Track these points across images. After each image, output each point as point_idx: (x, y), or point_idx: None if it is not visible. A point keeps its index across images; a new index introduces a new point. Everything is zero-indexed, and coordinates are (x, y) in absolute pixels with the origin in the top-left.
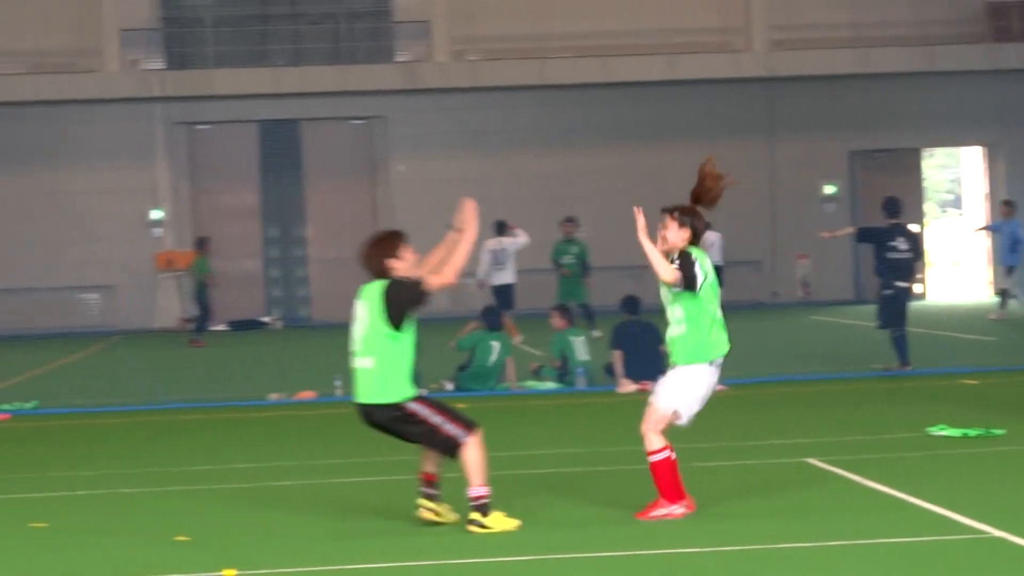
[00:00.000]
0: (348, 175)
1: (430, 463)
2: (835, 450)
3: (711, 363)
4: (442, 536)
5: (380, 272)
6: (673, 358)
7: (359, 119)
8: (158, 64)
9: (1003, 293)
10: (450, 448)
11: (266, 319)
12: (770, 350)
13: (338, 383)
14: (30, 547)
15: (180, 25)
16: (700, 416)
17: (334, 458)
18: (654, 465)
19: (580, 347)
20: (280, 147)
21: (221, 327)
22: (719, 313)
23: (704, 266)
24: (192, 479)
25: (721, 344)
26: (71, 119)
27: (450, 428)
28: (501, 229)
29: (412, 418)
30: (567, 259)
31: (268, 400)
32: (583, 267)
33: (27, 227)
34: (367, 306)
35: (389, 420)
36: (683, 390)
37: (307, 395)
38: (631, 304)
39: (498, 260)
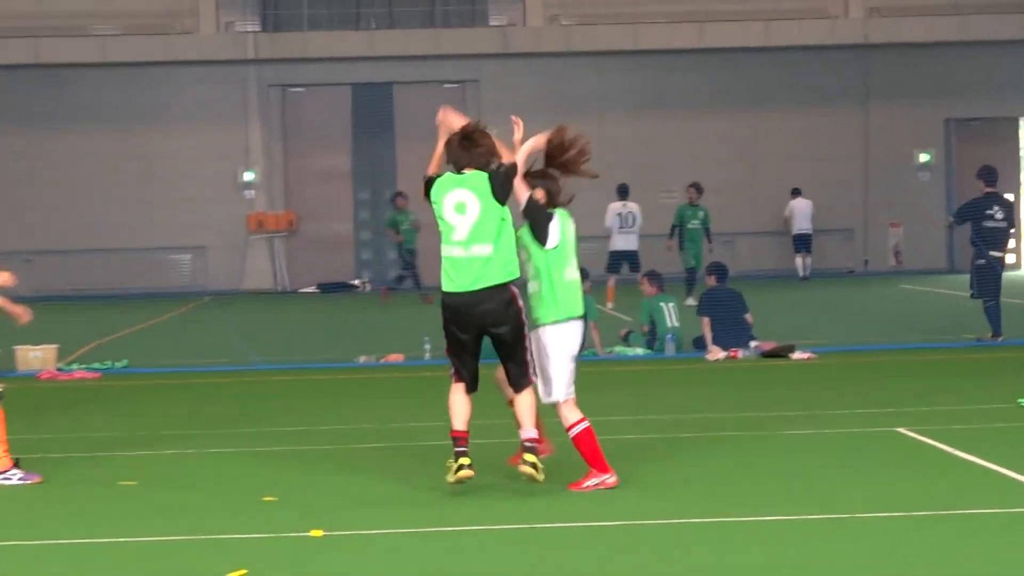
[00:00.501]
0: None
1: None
2: (926, 420)
3: (566, 321)
4: (525, 500)
5: (486, 163)
6: (533, 316)
7: (452, 83)
8: (253, 26)
9: None
10: (523, 375)
11: (355, 282)
12: (861, 319)
13: (427, 346)
14: (118, 505)
15: None
16: (791, 385)
17: (421, 421)
18: (575, 438)
19: (669, 313)
20: (372, 110)
21: (310, 289)
22: (570, 276)
23: (563, 230)
24: (280, 440)
25: (571, 305)
26: (165, 81)
27: (529, 358)
28: (625, 193)
29: (516, 307)
30: (693, 224)
31: (357, 363)
32: (706, 232)
33: (120, 188)
34: (475, 195)
35: (502, 305)
36: (548, 355)
37: (395, 358)
38: (720, 270)
39: (624, 223)
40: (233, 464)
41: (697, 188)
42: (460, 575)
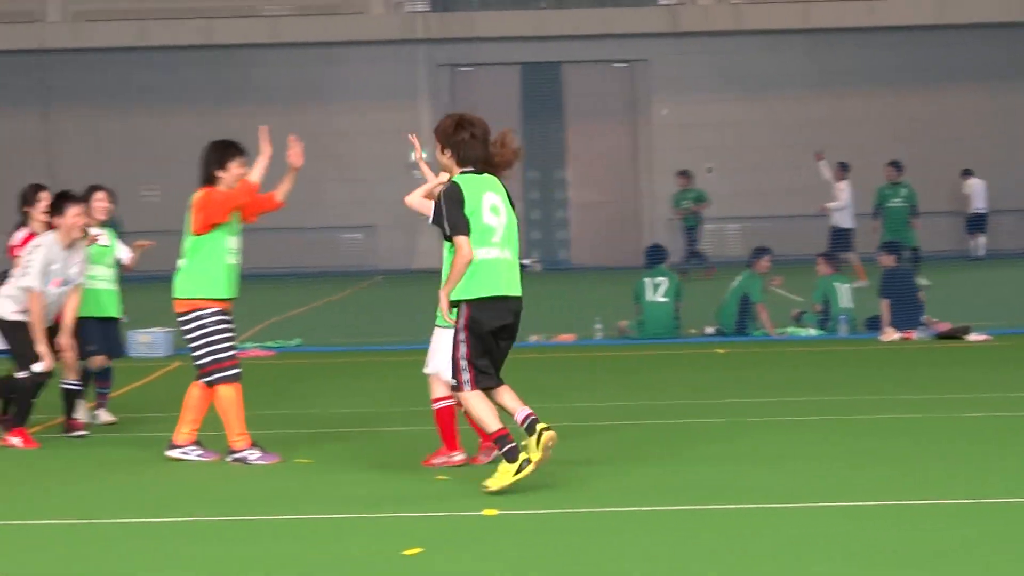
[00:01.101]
0: (609, 118)
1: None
2: None
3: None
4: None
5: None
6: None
7: (621, 62)
8: (422, 6)
9: None
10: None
11: (526, 261)
12: None
13: (598, 326)
14: (295, 483)
15: None
16: (967, 366)
17: (593, 401)
18: (438, 412)
19: (844, 294)
20: (542, 90)
21: None
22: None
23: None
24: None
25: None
26: (335, 61)
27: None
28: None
29: None
30: (895, 202)
31: (528, 342)
32: (912, 210)
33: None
34: (502, 198)
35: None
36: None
37: (566, 338)
38: (896, 249)
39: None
40: (408, 440)
41: (896, 166)
42: (614, 553)
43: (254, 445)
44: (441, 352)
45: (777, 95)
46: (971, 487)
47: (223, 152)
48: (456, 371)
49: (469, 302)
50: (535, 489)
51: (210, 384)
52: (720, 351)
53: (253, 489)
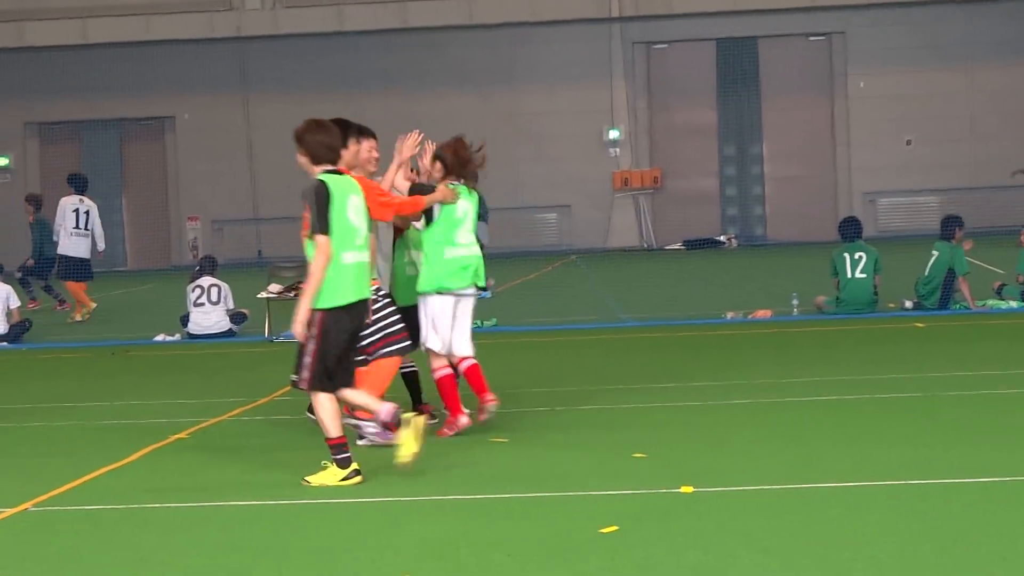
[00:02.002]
0: (805, 92)
1: None
2: None
3: (440, 293)
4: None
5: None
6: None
7: (818, 35)
8: None
9: None
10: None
11: (722, 238)
12: None
13: (795, 302)
14: (489, 462)
15: None
16: None
17: (790, 377)
18: (438, 380)
19: None
20: (737, 65)
21: (676, 246)
22: (455, 253)
23: (445, 208)
24: (651, 396)
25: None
26: (530, 41)
27: None
28: None
29: None
30: None
31: (725, 319)
32: None
33: (486, 148)
34: (361, 201)
35: None
36: (424, 321)
37: (763, 314)
38: None
39: None
40: (603, 420)
41: None
42: (830, 525)
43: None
44: (425, 324)
45: (979, 64)
46: None
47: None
48: (299, 366)
49: (325, 311)
50: (732, 467)
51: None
52: (920, 325)
53: (445, 467)
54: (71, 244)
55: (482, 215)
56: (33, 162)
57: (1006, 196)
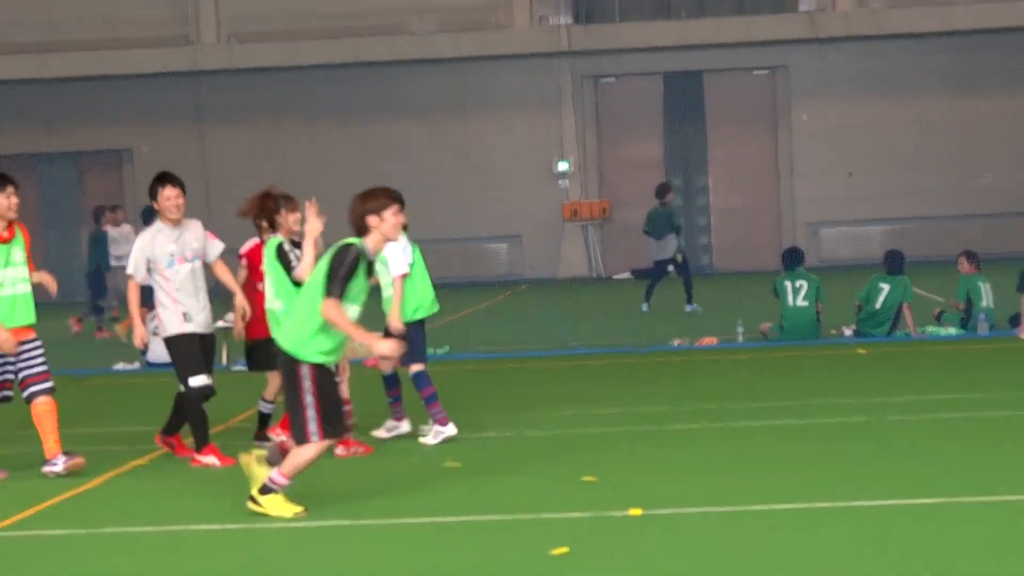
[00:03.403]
0: (749, 125)
1: None
2: None
3: None
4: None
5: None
6: None
7: (762, 69)
8: (566, 19)
9: None
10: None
11: (669, 267)
12: None
13: (740, 329)
14: (443, 485)
15: None
16: None
17: (736, 402)
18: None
19: (986, 293)
20: (683, 98)
21: (624, 275)
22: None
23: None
24: (597, 422)
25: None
26: (480, 74)
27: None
28: None
29: None
30: None
31: (671, 346)
32: None
33: (437, 180)
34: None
35: None
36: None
37: (709, 341)
38: None
39: None
40: (553, 445)
41: None
42: (754, 550)
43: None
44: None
45: (921, 97)
46: None
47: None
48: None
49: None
50: (680, 489)
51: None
52: (862, 351)
53: (396, 488)
54: None
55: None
56: None
57: (948, 225)
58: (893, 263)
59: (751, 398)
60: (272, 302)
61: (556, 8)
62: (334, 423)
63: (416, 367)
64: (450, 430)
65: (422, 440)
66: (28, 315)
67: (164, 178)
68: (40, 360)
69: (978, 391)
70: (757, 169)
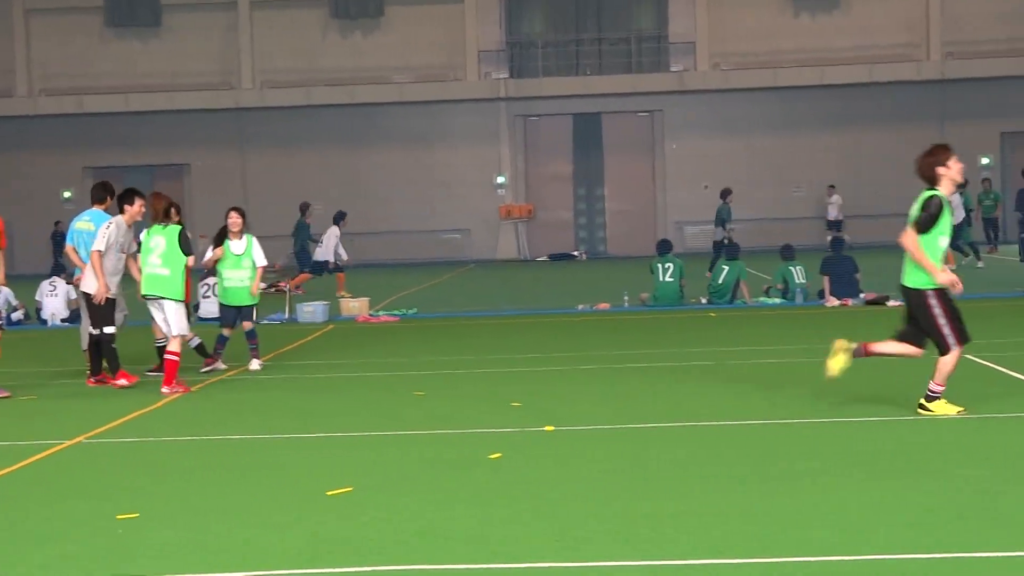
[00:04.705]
0: (634, 152)
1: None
2: (987, 349)
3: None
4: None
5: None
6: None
7: (644, 112)
8: (504, 75)
9: None
10: None
11: (575, 252)
12: None
13: (626, 297)
14: (414, 407)
15: (520, 47)
16: (888, 325)
17: (623, 350)
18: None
19: (798, 274)
20: (587, 132)
21: (543, 258)
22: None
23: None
24: (526, 363)
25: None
26: (442, 114)
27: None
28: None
29: None
30: (987, 203)
31: (576, 309)
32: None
33: (409, 189)
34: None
35: None
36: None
37: (603, 306)
38: (836, 243)
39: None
40: (491, 379)
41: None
42: (649, 453)
43: None
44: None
45: (753, 134)
46: (882, 403)
47: None
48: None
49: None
50: (581, 413)
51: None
52: (712, 315)
53: (379, 411)
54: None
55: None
56: (86, 195)
57: (771, 225)
58: (731, 251)
59: (633, 347)
60: (160, 268)
61: (497, 66)
62: (963, 331)
63: None
64: None
65: None
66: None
67: (136, 194)
68: None
69: (795, 344)
70: (639, 183)
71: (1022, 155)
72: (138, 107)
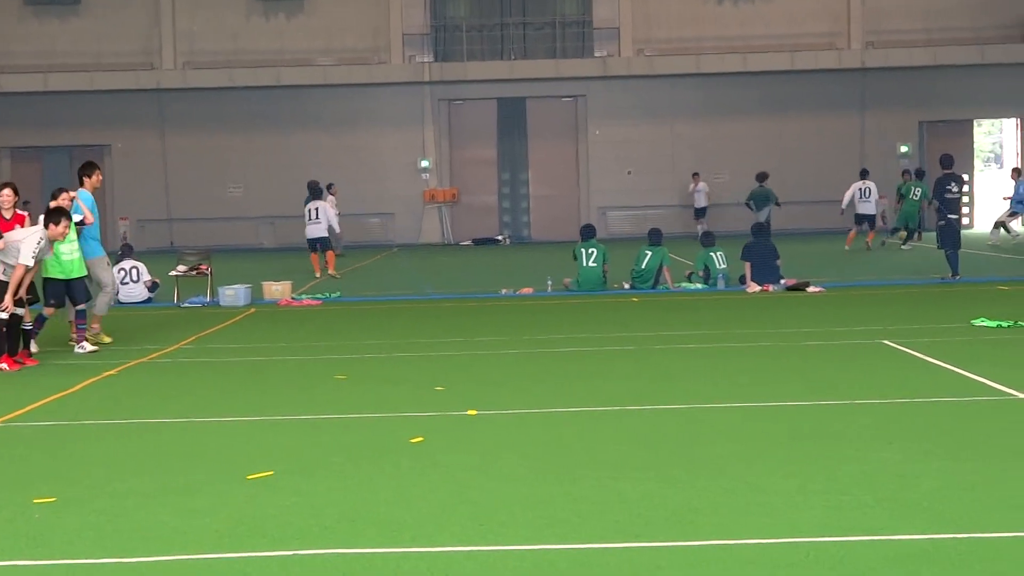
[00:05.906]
0: (558, 137)
1: None
2: (903, 335)
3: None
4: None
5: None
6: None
7: (568, 97)
8: (428, 58)
9: (1000, 226)
10: None
11: (499, 237)
12: (857, 265)
13: (549, 282)
14: (335, 390)
15: (444, 31)
16: (808, 309)
17: (545, 334)
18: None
19: (719, 259)
20: (511, 117)
21: (467, 243)
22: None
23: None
24: (448, 347)
25: None
26: (367, 97)
27: None
28: (865, 174)
29: None
30: (916, 192)
31: (500, 293)
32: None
33: (336, 173)
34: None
35: None
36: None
37: (527, 290)
38: (758, 229)
39: (863, 195)
40: (414, 364)
41: (915, 173)
42: (571, 437)
43: None
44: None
45: (676, 120)
46: (813, 391)
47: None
48: None
49: None
50: (504, 397)
51: None
52: (635, 299)
53: (299, 394)
54: (312, 229)
55: None
56: (5, 176)
57: (691, 212)
58: (654, 237)
59: (557, 332)
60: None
61: (421, 50)
62: None
63: None
64: None
65: None
66: None
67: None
68: None
69: (716, 328)
70: (563, 168)
71: (939, 144)
72: (57, 87)
